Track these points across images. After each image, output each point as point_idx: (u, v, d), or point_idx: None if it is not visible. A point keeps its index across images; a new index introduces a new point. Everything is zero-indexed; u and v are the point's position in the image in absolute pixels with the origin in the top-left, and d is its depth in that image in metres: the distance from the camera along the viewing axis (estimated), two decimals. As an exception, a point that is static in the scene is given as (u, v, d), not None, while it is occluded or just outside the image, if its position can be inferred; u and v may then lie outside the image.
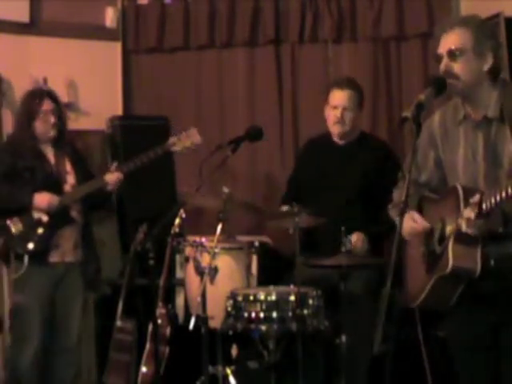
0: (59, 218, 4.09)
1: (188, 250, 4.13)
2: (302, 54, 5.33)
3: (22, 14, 4.98)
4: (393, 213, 3.10)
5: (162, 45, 5.35)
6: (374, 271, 3.98)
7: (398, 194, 3.07)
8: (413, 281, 2.94)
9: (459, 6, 5.13)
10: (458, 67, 2.75)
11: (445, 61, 2.77)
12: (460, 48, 2.75)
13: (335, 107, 4.28)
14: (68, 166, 4.22)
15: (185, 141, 4.19)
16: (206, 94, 5.40)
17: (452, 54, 2.76)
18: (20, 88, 4.62)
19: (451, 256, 2.72)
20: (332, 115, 4.30)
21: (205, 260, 3.84)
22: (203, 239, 4.05)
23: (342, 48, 5.29)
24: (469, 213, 2.66)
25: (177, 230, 3.96)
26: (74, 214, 4.15)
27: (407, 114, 2.59)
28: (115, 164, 4.20)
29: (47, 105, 4.14)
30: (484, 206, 2.60)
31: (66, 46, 5.15)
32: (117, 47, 5.36)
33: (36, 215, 4.06)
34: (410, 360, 3.58)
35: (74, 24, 5.17)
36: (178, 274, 4.52)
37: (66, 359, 4.21)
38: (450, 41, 2.77)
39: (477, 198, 2.64)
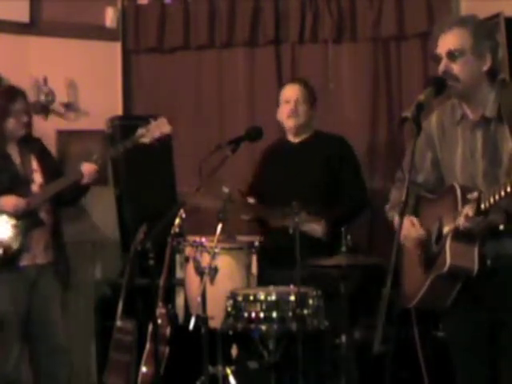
0: (28, 220, 3.98)
1: (188, 250, 4.13)
2: (302, 54, 5.32)
3: (22, 14, 4.98)
4: (390, 213, 3.10)
5: (162, 45, 5.35)
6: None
7: (397, 195, 3.08)
8: (409, 281, 2.95)
9: (459, 6, 5.13)
10: (457, 68, 2.76)
11: (444, 61, 2.77)
12: (459, 49, 2.76)
13: (287, 101, 4.37)
14: (34, 164, 4.13)
15: (154, 131, 4.10)
16: (206, 94, 5.39)
17: (451, 55, 2.76)
18: (20, 88, 4.62)
19: (449, 254, 2.72)
20: (285, 109, 4.37)
21: (205, 260, 3.84)
22: (203, 239, 4.05)
23: (342, 48, 5.29)
24: (467, 210, 2.66)
25: (177, 230, 3.95)
26: (42, 215, 4.06)
27: (407, 114, 2.59)
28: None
29: (20, 104, 4.06)
30: (482, 205, 2.61)
31: (66, 46, 5.14)
32: (117, 47, 5.35)
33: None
34: (406, 360, 3.58)
35: (74, 24, 5.17)
36: (178, 274, 4.52)
37: (58, 359, 4.17)
38: (449, 41, 2.77)
39: (475, 195, 2.64)
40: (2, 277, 3.94)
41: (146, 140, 4.11)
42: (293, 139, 4.44)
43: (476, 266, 2.70)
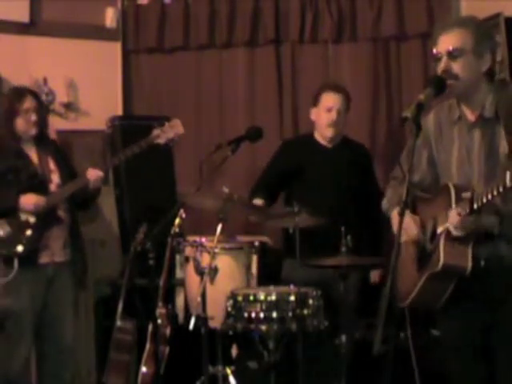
0: (47, 218, 4.01)
1: (188, 250, 4.13)
2: (302, 54, 5.33)
3: (22, 14, 4.98)
4: (385, 208, 3.12)
5: (162, 45, 5.35)
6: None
7: (393, 193, 3.09)
8: (403, 279, 2.94)
9: (459, 6, 5.15)
10: (457, 67, 2.76)
11: (444, 60, 2.78)
12: (460, 48, 2.76)
13: (329, 109, 4.30)
14: (52, 165, 4.15)
15: (168, 132, 4.12)
16: (206, 94, 5.40)
17: (452, 54, 2.77)
18: (20, 88, 4.62)
19: (442, 254, 2.74)
20: (326, 117, 4.31)
21: (205, 260, 3.84)
22: (203, 239, 4.05)
23: (342, 48, 5.30)
24: (459, 210, 2.67)
25: (177, 230, 3.95)
26: (61, 213, 4.08)
27: (407, 113, 2.59)
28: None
29: (28, 103, 4.07)
30: (475, 204, 2.61)
31: (66, 46, 5.15)
32: (117, 47, 5.36)
33: (23, 217, 3.96)
34: (398, 360, 3.58)
35: (74, 24, 5.17)
36: (178, 274, 4.52)
37: (63, 360, 4.16)
38: (449, 41, 2.78)
39: (468, 194, 2.65)
40: (22, 274, 3.94)
41: (160, 141, 4.14)
42: (325, 143, 4.41)
43: (470, 265, 2.71)
